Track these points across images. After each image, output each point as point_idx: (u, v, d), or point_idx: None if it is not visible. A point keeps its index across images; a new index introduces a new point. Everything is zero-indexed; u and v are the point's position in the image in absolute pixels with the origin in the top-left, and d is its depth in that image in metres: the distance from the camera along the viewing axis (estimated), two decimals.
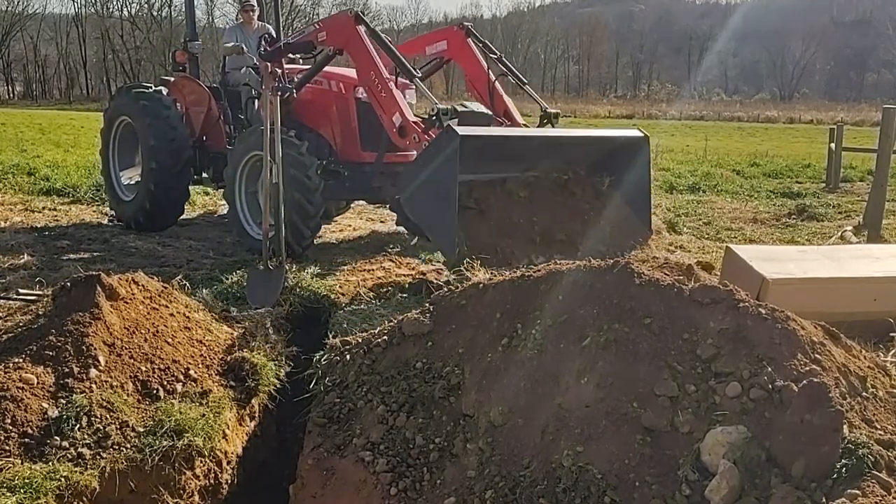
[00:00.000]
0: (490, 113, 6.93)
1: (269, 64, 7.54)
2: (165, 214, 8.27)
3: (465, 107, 6.77)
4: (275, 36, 8.10)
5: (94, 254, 7.23)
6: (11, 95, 60.41)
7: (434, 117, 6.13)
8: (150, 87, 8.55)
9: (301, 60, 8.29)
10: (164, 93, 8.48)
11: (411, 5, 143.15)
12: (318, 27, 7.31)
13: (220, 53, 9.07)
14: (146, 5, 61.54)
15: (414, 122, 6.23)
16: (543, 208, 6.07)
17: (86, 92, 62.56)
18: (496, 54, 7.42)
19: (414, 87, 6.98)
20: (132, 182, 8.67)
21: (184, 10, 10.52)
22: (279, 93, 6.29)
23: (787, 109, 51.03)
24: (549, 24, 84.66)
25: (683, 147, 21.66)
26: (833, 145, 14.39)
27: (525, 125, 7.07)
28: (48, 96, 61.54)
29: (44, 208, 9.60)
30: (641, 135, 6.56)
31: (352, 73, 7.77)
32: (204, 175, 8.58)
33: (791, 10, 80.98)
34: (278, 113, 6.07)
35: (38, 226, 8.48)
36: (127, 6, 62.27)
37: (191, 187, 8.81)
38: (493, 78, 7.21)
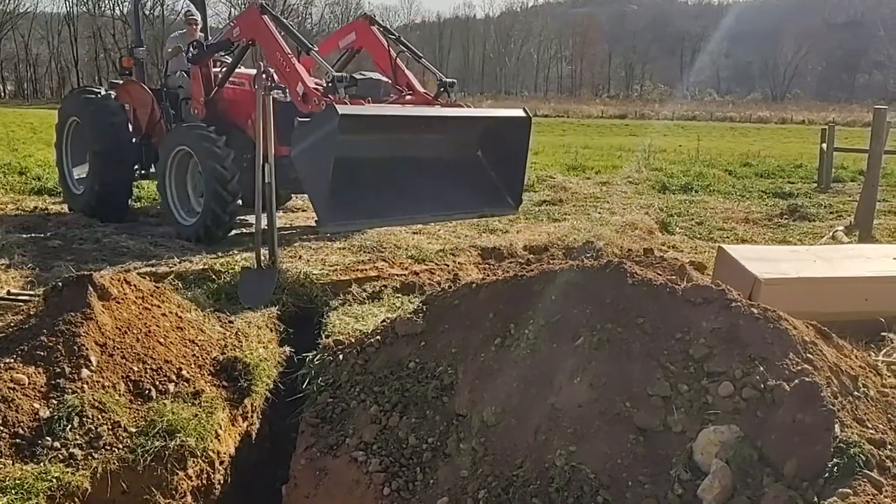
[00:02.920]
0: (388, 80, 7.56)
1: (196, 67, 8.23)
2: (110, 208, 8.88)
3: (364, 75, 7.37)
4: (202, 42, 8.73)
5: (86, 254, 7.19)
6: (3, 94, 60.07)
7: (330, 84, 6.68)
8: (98, 90, 9.27)
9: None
10: (112, 96, 9.12)
11: (404, 5, 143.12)
12: (232, 25, 8.18)
13: (165, 58, 9.73)
14: (129, 5, 61.32)
15: (314, 87, 6.78)
16: (419, 178, 6.68)
17: None
18: (395, 35, 8.12)
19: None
20: (83, 177, 9.24)
21: (132, 19, 11.60)
22: (271, 92, 6.33)
23: (779, 110, 51.17)
24: (542, 24, 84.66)
25: (676, 147, 21.70)
26: (825, 146, 14.43)
27: (426, 93, 7.59)
28: (39, 95, 61.19)
29: (35, 208, 9.56)
30: (524, 115, 7.11)
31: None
32: (152, 170, 9.07)
33: (783, 11, 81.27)
34: (271, 114, 6.09)
35: (30, 226, 8.44)
36: (119, 5, 62.00)
37: (146, 182, 9.78)
38: (395, 55, 7.81)
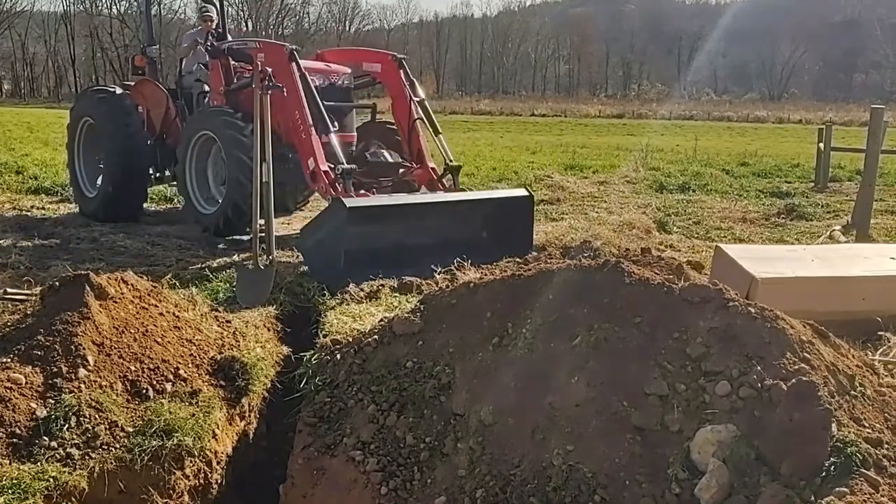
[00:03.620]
0: (397, 160, 7.62)
1: (216, 60, 8.07)
2: (128, 200, 8.71)
3: (377, 156, 7.53)
4: (221, 31, 8.71)
5: (83, 253, 7.18)
6: (0, 93, 59.98)
7: (339, 175, 6.79)
8: (112, 90, 9.05)
9: None
10: (125, 95, 8.90)
11: (402, 4, 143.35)
12: (258, 46, 7.91)
13: (178, 55, 9.67)
14: (135, 3, 61.21)
15: (325, 171, 6.85)
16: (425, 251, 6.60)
17: (74, 90, 62.06)
18: (419, 97, 7.89)
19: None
20: (96, 179, 9.03)
21: (143, 17, 11.29)
22: (269, 91, 6.29)
23: (776, 109, 51.16)
24: (540, 23, 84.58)
25: (673, 147, 21.70)
26: (822, 145, 14.44)
27: (433, 168, 7.64)
28: (36, 94, 61.14)
29: (32, 207, 9.55)
30: (526, 194, 7.32)
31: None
32: (166, 173, 8.90)
33: (780, 10, 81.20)
34: (268, 110, 6.07)
35: (27, 225, 8.42)
36: (116, 4, 62.04)
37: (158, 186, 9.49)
38: (416, 116, 7.74)
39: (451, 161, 7.60)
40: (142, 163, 8.65)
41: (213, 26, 9.12)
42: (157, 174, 8.94)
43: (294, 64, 7.19)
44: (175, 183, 8.86)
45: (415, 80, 7.96)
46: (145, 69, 9.31)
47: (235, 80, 8.06)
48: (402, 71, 7.88)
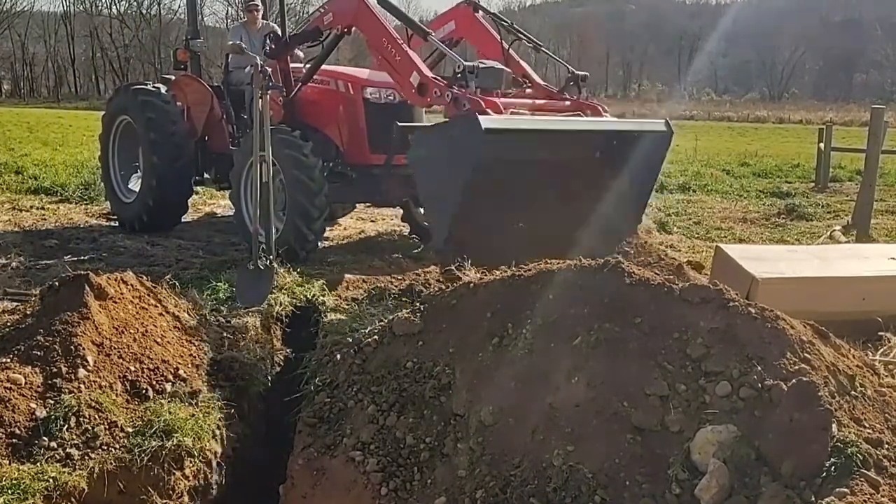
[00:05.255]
0: (508, 70, 6.58)
1: (274, 62, 7.37)
2: (168, 213, 8.14)
3: (484, 63, 6.40)
4: (280, 34, 7.86)
5: (83, 253, 7.18)
6: None
7: (459, 75, 5.92)
8: (156, 89, 8.33)
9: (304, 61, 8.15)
10: (170, 95, 8.26)
11: (402, 4, 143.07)
12: (323, 10, 7.12)
13: (224, 52, 8.96)
14: (135, 3, 61.27)
15: (433, 77, 6.07)
16: (542, 209, 5.91)
17: (74, 90, 62.19)
18: (507, 22, 7.12)
19: None
20: (133, 184, 8.50)
21: (185, 7, 10.37)
22: (268, 91, 6.24)
23: (776, 109, 51.18)
24: (541, 23, 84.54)
25: (673, 146, 21.67)
26: (822, 145, 14.45)
27: (548, 86, 6.82)
28: (36, 94, 61.00)
29: (32, 207, 9.54)
30: (666, 129, 6.43)
31: (359, 72, 7.56)
32: (206, 176, 8.40)
33: (781, 10, 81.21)
34: (267, 111, 6.05)
35: (26, 225, 8.42)
36: (116, 4, 61.99)
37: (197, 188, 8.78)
38: (507, 46, 6.91)
39: (571, 71, 6.69)
40: (187, 172, 8.06)
41: (261, 16, 8.61)
42: (197, 177, 8.37)
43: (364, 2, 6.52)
44: (216, 184, 8.44)
45: (494, 11, 7.16)
46: (187, 64, 8.75)
47: (296, 86, 7.37)
48: (478, 14, 7.18)
